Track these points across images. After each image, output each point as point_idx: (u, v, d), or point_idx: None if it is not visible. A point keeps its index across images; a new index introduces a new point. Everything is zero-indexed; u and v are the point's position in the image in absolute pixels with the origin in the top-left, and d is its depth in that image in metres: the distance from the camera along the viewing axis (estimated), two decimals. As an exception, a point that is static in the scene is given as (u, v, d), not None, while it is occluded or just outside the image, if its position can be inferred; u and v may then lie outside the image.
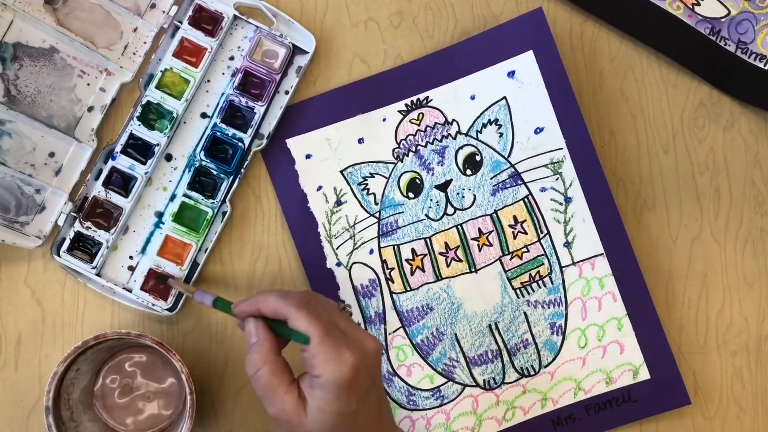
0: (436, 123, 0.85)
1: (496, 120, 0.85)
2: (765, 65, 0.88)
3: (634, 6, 0.88)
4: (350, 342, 0.67)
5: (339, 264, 0.85)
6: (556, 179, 0.85)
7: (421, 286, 0.85)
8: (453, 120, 0.85)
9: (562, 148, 0.85)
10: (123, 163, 0.82)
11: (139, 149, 0.83)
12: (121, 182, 0.83)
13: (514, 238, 0.85)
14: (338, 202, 0.85)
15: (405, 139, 0.85)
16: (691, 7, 0.88)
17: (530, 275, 0.85)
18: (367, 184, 0.85)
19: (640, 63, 0.89)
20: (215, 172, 0.83)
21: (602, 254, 0.85)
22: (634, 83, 0.89)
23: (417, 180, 0.85)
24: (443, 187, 0.85)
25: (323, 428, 0.66)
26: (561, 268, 0.86)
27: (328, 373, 0.65)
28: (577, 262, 0.85)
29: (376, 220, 0.85)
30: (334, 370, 0.65)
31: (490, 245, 0.85)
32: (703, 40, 0.88)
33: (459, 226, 0.85)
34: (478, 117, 0.85)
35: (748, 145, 0.90)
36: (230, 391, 0.85)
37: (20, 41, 0.79)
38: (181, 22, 0.83)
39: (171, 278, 0.83)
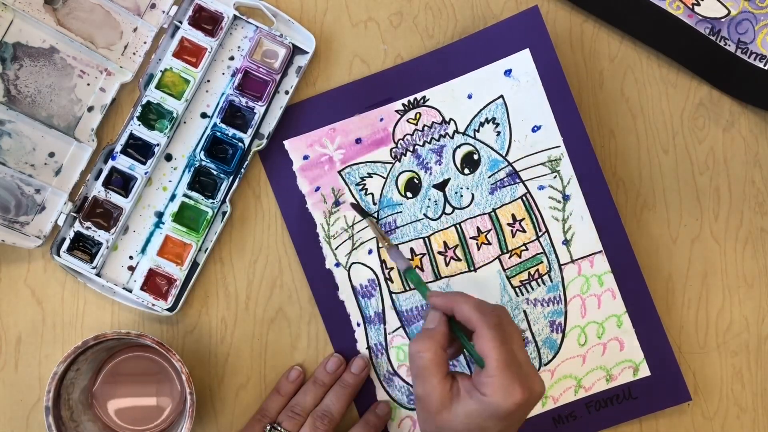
0: (433, 122, 0.85)
1: (494, 119, 0.85)
2: (765, 65, 0.88)
3: (634, 6, 0.88)
4: (524, 377, 0.69)
5: (338, 264, 0.85)
6: (554, 177, 0.85)
7: (420, 285, 0.85)
8: (450, 119, 0.85)
9: (559, 146, 0.85)
10: (123, 163, 0.82)
11: (139, 149, 0.83)
12: (121, 182, 0.83)
13: (513, 236, 0.85)
14: (336, 203, 0.85)
15: (403, 139, 0.85)
16: (691, 7, 0.88)
17: (529, 273, 0.85)
18: (365, 185, 0.85)
19: (640, 63, 0.89)
20: (215, 172, 0.83)
21: (601, 251, 0.85)
22: (634, 83, 0.89)
23: (415, 179, 0.85)
24: (441, 186, 0.85)
25: (459, 430, 0.69)
26: (560, 265, 0.85)
27: (494, 398, 0.68)
28: (576, 259, 0.85)
29: (375, 220, 0.85)
30: (501, 398, 0.67)
31: (489, 244, 0.85)
32: (703, 40, 0.88)
33: (457, 225, 0.85)
34: (476, 116, 0.85)
35: (748, 145, 0.89)
36: (230, 391, 0.85)
37: (20, 41, 0.79)
38: (181, 22, 0.83)
39: (370, 216, 0.85)
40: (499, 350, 0.68)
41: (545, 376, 0.86)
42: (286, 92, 0.85)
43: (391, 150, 0.85)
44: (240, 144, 0.83)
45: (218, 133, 0.83)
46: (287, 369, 0.85)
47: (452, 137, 0.85)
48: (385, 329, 0.85)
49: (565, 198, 0.85)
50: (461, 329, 0.73)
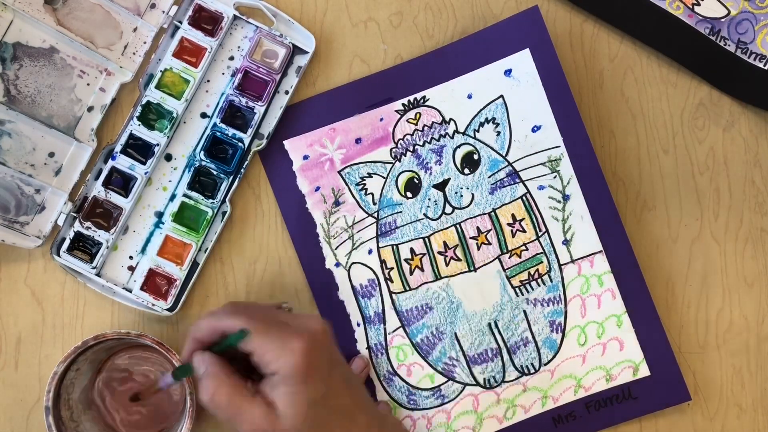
0: (433, 122, 0.85)
1: (494, 119, 0.85)
2: (765, 65, 0.88)
3: (634, 6, 0.88)
4: (293, 329, 0.67)
5: (338, 264, 0.85)
6: (554, 177, 0.85)
7: (420, 285, 0.85)
8: (450, 119, 0.85)
9: (559, 146, 0.85)
10: (123, 163, 0.82)
11: (139, 149, 0.83)
12: (121, 182, 0.83)
13: (513, 236, 0.85)
14: (336, 203, 0.85)
15: (402, 139, 0.85)
16: (691, 7, 0.88)
17: (529, 273, 0.85)
18: (365, 184, 0.85)
19: (640, 63, 0.89)
20: (215, 172, 0.83)
21: (601, 251, 0.85)
22: (634, 83, 0.89)
23: (415, 179, 0.85)
24: (441, 186, 0.85)
25: (299, 423, 0.66)
26: (560, 265, 0.85)
27: (282, 366, 0.66)
28: (576, 259, 0.85)
29: (375, 220, 0.85)
30: (287, 360, 0.66)
31: (489, 244, 0.85)
32: (703, 40, 0.88)
33: (457, 225, 0.85)
34: (476, 116, 0.85)
35: (748, 145, 0.89)
36: (230, 391, 0.85)
37: (20, 41, 0.79)
38: (180, 22, 0.83)
39: (138, 395, 0.80)
40: (251, 323, 0.67)
41: (545, 376, 0.86)
42: (286, 92, 0.85)
43: (391, 150, 0.85)
44: (240, 144, 0.83)
45: (218, 133, 0.83)
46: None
47: (452, 137, 0.85)
48: (385, 329, 0.85)
49: (565, 198, 0.85)
50: (220, 344, 0.70)
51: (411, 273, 0.85)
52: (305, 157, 0.85)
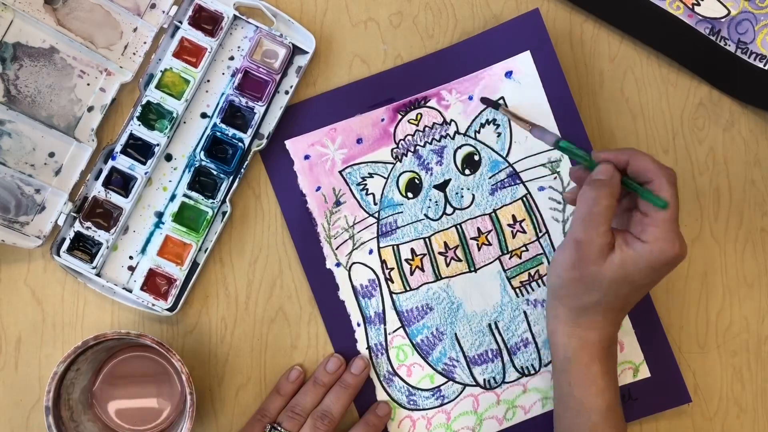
0: (434, 123, 0.85)
1: (494, 120, 0.85)
2: (765, 65, 0.88)
3: (634, 6, 0.88)
4: (681, 236, 0.71)
5: (338, 264, 0.85)
6: (554, 178, 0.85)
7: (420, 285, 0.85)
8: (451, 120, 0.85)
9: (560, 147, 0.85)
10: (123, 163, 0.82)
11: (139, 149, 0.83)
12: (121, 182, 0.83)
13: (513, 237, 0.85)
14: (337, 203, 0.85)
15: (404, 140, 0.85)
16: (691, 7, 0.88)
17: (529, 274, 0.85)
18: (366, 185, 0.85)
19: (640, 63, 0.89)
20: (215, 172, 0.83)
21: (601, 252, 0.85)
22: (634, 83, 0.89)
23: (416, 180, 0.85)
24: (442, 186, 0.85)
25: (610, 280, 0.71)
26: (560, 267, 0.85)
27: (656, 247, 0.69)
28: (576, 261, 0.86)
29: (376, 221, 0.85)
30: (662, 249, 0.69)
31: (489, 244, 0.85)
32: (703, 40, 0.88)
33: (458, 226, 0.85)
34: (476, 117, 0.85)
35: (748, 145, 0.89)
36: (230, 391, 0.85)
37: (20, 41, 0.79)
38: (181, 22, 0.83)
39: (501, 105, 0.84)
40: (674, 201, 0.70)
41: (545, 377, 0.86)
42: (286, 92, 0.85)
43: (392, 150, 0.85)
44: (240, 144, 0.83)
45: (218, 133, 0.83)
46: (287, 369, 0.85)
47: (453, 138, 0.85)
48: (385, 329, 0.85)
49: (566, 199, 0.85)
50: (635, 182, 0.73)
51: (411, 273, 0.85)
52: (306, 157, 0.85)
